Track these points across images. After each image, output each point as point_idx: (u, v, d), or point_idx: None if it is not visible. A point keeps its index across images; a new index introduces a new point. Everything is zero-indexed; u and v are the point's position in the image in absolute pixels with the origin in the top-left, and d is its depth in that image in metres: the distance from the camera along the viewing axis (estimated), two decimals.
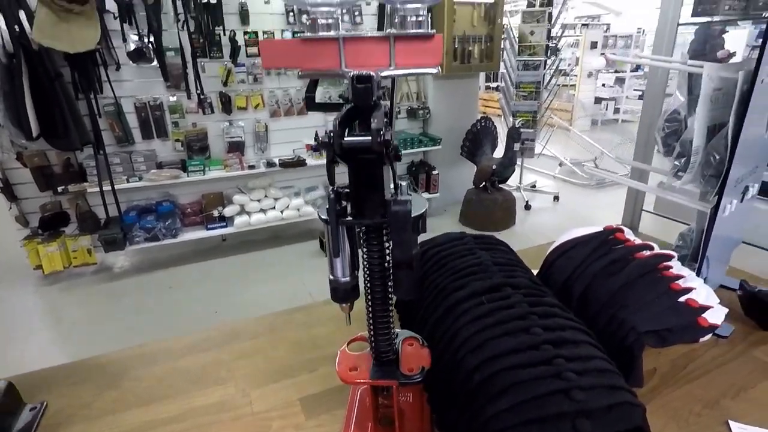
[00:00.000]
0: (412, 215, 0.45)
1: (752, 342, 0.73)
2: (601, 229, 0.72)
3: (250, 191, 3.41)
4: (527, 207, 4.11)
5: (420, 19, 0.42)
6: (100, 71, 2.82)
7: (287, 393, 0.69)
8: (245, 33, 3.11)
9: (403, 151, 3.70)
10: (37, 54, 2.51)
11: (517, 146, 3.54)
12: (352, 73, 0.40)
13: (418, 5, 0.41)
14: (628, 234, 0.70)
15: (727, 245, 0.83)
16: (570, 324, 0.51)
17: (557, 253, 0.73)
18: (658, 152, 0.85)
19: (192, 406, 0.67)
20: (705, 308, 0.57)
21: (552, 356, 0.45)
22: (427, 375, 0.52)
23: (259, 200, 3.41)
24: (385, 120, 0.38)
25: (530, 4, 3.94)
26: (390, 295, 0.52)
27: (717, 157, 0.68)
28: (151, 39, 2.80)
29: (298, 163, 3.36)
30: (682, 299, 0.58)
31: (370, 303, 0.52)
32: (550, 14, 3.87)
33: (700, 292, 0.59)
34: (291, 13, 3.20)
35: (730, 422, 0.59)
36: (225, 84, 3.18)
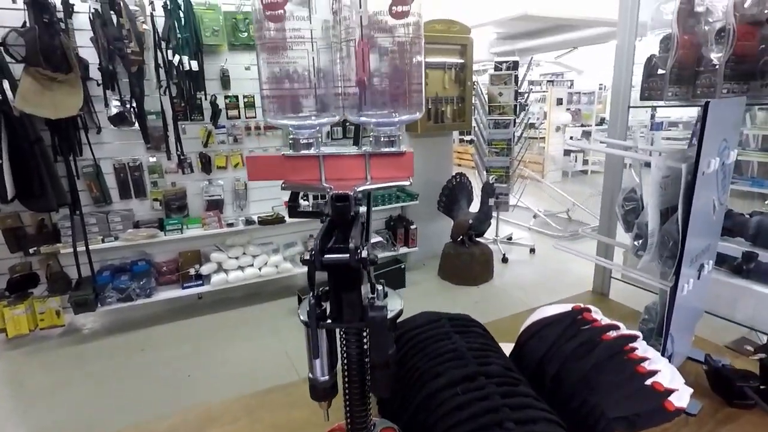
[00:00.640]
0: (389, 316, 0.48)
1: (720, 420, 0.76)
2: (569, 307, 0.75)
3: (228, 249, 3.39)
4: (504, 260, 4.18)
5: (392, 138, 0.47)
6: (81, 135, 2.84)
7: None
8: (226, 97, 3.21)
9: (382, 207, 3.77)
10: (18, 119, 2.53)
11: (491, 201, 3.65)
12: (331, 193, 0.43)
13: (391, 127, 0.46)
14: (596, 314, 0.74)
15: (690, 318, 0.88)
16: (541, 415, 0.53)
17: (529, 333, 0.76)
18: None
19: None
20: (670, 391, 0.60)
21: None
22: None
23: (237, 257, 3.38)
24: (362, 233, 0.42)
25: (497, 68, 4.20)
26: (367, 391, 0.54)
27: (671, 240, 0.74)
28: (134, 104, 2.86)
29: (276, 220, 3.38)
30: (648, 382, 0.61)
31: (348, 398, 0.54)
32: (516, 77, 4.13)
33: (665, 373, 0.62)
34: None
35: None
36: (205, 145, 3.23)
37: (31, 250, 2.86)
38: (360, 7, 0.46)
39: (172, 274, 3.31)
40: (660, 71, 1.09)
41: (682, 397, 0.60)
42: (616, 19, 1.30)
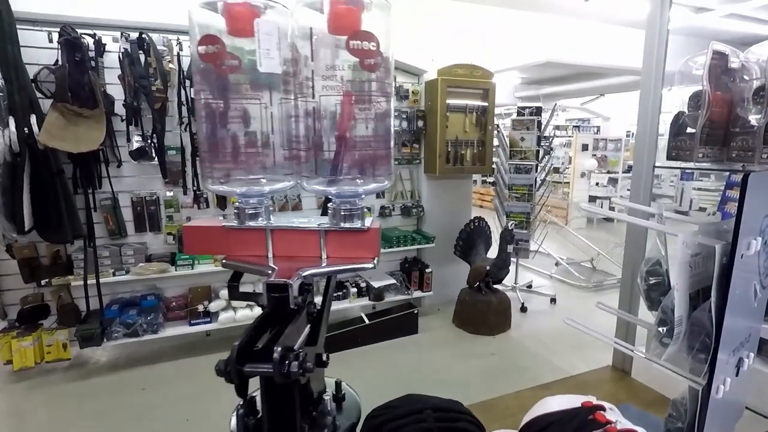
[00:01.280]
0: (342, 428, 0.39)
1: None
2: (578, 404, 0.64)
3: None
4: (523, 309, 3.98)
5: (354, 212, 0.40)
6: (101, 168, 2.89)
7: None
8: (245, 134, 3.24)
9: (397, 248, 3.68)
10: (42, 153, 2.58)
11: (510, 248, 3.52)
12: (265, 281, 0.36)
13: (351, 199, 0.39)
14: (611, 412, 0.62)
15: (727, 419, 0.74)
16: None
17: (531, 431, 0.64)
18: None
19: None
20: None
21: None
22: None
23: None
24: (304, 335, 0.34)
25: (519, 113, 4.15)
26: None
27: (703, 330, 0.63)
28: (155, 139, 2.91)
29: None
30: None
31: None
32: (539, 122, 4.06)
33: None
34: None
35: None
36: None
37: (43, 282, 2.87)
38: (327, 59, 0.40)
39: (180, 309, 3.26)
40: (689, 130, 0.99)
41: None
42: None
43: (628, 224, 1.11)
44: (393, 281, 3.71)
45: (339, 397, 0.43)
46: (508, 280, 4.05)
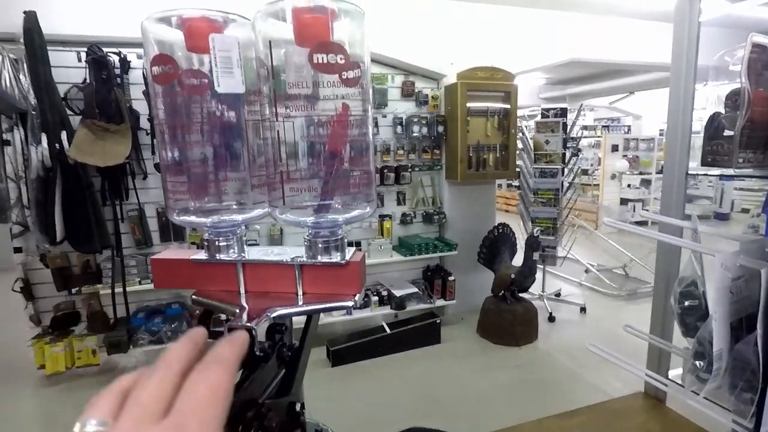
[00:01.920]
0: None
1: None
2: None
3: None
4: (551, 319, 3.85)
5: (333, 244, 0.36)
6: (128, 180, 2.96)
7: None
8: (207, 159, 3.26)
9: (419, 256, 3.62)
10: (72, 168, 2.67)
11: (536, 255, 3.41)
12: (228, 325, 0.32)
13: (328, 232, 0.35)
14: None
15: None
16: None
17: None
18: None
19: None
20: None
21: None
22: None
23: None
24: (273, 384, 0.30)
25: (544, 115, 4.04)
26: None
27: (748, 367, 0.55)
28: None
29: None
30: None
31: None
32: (565, 124, 3.94)
33: None
34: None
35: None
36: None
37: (74, 290, 2.96)
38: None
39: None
40: (727, 132, 0.91)
41: None
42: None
43: (660, 227, 1.02)
44: (415, 290, 3.65)
45: None
46: (535, 288, 3.93)
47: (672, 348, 0.88)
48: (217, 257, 0.37)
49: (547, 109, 4.06)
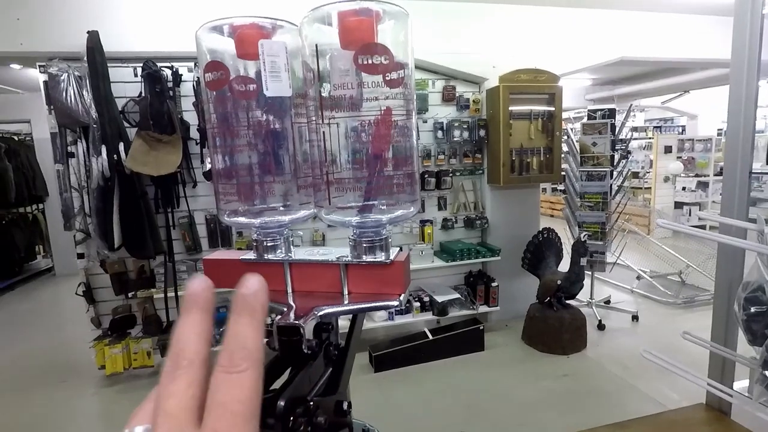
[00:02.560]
0: None
1: None
2: None
3: None
4: (601, 327, 3.69)
5: (377, 244, 0.36)
6: (179, 189, 3.11)
7: None
8: (257, 162, 3.34)
9: (461, 262, 3.57)
10: (128, 177, 2.83)
11: (584, 261, 3.28)
12: (275, 323, 0.33)
13: (372, 232, 0.35)
14: None
15: None
16: None
17: None
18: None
19: None
20: None
21: None
22: None
23: None
24: (321, 382, 0.30)
25: (590, 116, 3.90)
26: None
27: None
28: None
29: None
30: None
31: None
32: (613, 125, 3.78)
33: None
34: None
35: None
36: None
37: (130, 294, 3.12)
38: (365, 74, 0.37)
39: None
40: None
41: None
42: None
43: (720, 229, 0.96)
44: (457, 295, 3.60)
45: None
46: (583, 296, 3.78)
47: (737, 357, 0.82)
48: (265, 257, 0.38)
49: (594, 111, 3.92)
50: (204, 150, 3.06)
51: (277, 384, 0.31)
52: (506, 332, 3.70)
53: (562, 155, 3.82)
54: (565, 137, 3.92)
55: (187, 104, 3.08)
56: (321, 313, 0.35)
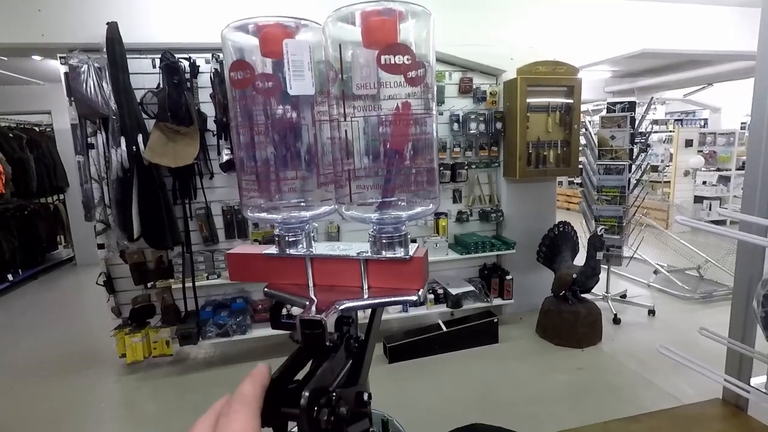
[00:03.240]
0: None
1: None
2: None
3: None
4: (616, 321, 3.65)
5: (397, 240, 0.37)
6: (196, 180, 3.15)
7: None
8: (280, 158, 3.34)
9: (475, 254, 3.57)
10: (147, 168, 2.87)
11: (600, 255, 3.25)
12: (299, 317, 0.34)
13: (391, 228, 0.36)
14: None
15: None
16: None
17: None
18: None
19: None
20: None
21: None
22: None
23: None
24: (342, 373, 0.31)
25: (609, 109, 3.83)
26: None
27: None
28: None
29: None
30: None
31: None
32: (633, 118, 3.71)
33: None
34: None
35: None
36: None
37: (149, 284, 3.18)
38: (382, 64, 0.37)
39: (266, 312, 3.43)
40: None
41: None
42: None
43: (740, 226, 0.94)
44: (471, 288, 3.60)
45: None
46: (598, 290, 3.75)
47: (755, 353, 0.81)
48: (287, 252, 0.39)
49: (614, 103, 3.84)
50: (221, 141, 3.09)
51: (299, 377, 0.32)
52: (520, 325, 3.69)
53: (580, 149, 3.76)
54: (583, 130, 3.86)
55: (204, 96, 3.10)
56: (342, 307, 0.36)
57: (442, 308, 3.58)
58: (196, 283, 3.16)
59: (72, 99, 2.81)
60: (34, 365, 3.43)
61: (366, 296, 0.37)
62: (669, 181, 7.30)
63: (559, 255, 3.54)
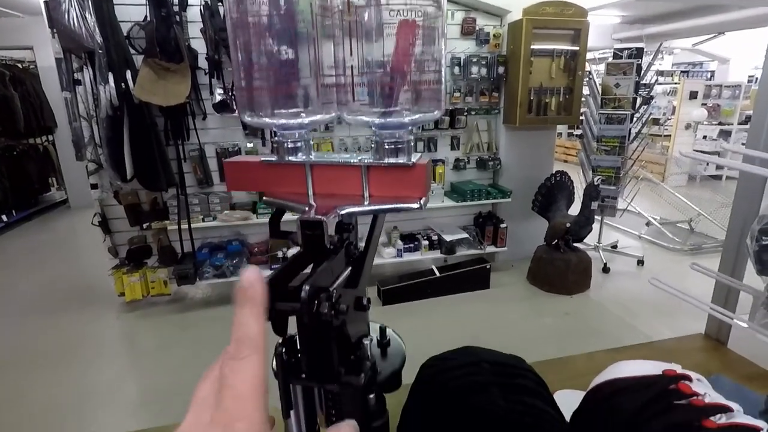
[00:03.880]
0: (384, 374, 0.37)
1: None
2: (659, 371, 0.57)
3: None
4: (605, 270, 3.74)
5: (399, 146, 0.35)
6: (189, 121, 3.07)
7: None
8: (281, 60, 3.24)
9: (471, 202, 3.58)
10: (137, 107, 2.78)
11: (595, 205, 3.26)
12: (299, 218, 0.33)
13: (394, 131, 0.34)
14: (698, 384, 0.54)
15: None
16: None
17: (600, 396, 0.58)
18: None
19: None
20: None
21: None
22: None
23: None
24: (343, 276, 0.31)
25: (616, 56, 3.71)
26: None
27: None
28: (234, 92, 3.00)
29: None
30: None
31: None
32: (639, 66, 3.61)
33: None
34: None
35: None
36: None
37: (145, 225, 3.18)
38: None
39: (262, 255, 3.47)
40: None
41: None
42: None
43: (740, 175, 0.94)
44: (465, 235, 3.64)
45: (383, 343, 0.41)
46: (591, 239, 3.80)
47: (742, 286, 0.83)
48: (287, 159, 0.38)
49: (621, 50, 3.72)
50: (213, 80, 2.98)
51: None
52: (512, 272, 3.77)
53: (582, 98, 3.68)
54: (587, 79, 3.76)
55: (194, 31, 2.96)
56: (343, 212, 0.35)
57: (436, 254, 3.63)
58: (192, 225, 3.17)
59: (54, 31, 2.66)
60: (37, 301, 3.49)
61: (367, 203, 0.37)
62: (669, 135, 7.23)
63: (554, 204, 3.56)
